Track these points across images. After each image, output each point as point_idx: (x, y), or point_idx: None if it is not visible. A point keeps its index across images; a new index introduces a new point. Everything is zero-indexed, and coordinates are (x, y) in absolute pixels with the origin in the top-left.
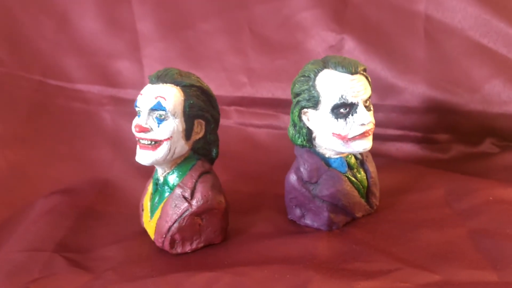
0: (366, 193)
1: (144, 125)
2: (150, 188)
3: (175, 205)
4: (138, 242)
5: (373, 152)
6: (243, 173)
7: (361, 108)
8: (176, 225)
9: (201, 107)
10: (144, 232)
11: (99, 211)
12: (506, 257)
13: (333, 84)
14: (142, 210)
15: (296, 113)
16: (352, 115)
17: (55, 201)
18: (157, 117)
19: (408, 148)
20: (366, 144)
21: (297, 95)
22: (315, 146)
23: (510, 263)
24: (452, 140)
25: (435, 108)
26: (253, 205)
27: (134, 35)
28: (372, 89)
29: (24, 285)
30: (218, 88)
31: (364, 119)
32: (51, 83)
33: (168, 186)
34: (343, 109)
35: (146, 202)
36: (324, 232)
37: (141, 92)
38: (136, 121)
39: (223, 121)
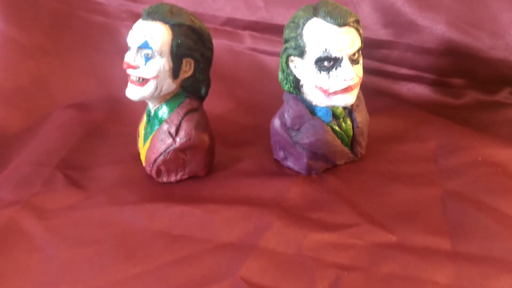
0: (351, 142)
1: (132, 63)
2: (144, 117)
3: (161, 140)
4: (132, 165)
5: (383, 90)
6: (247, 102)
7: (345, 63)
8: (161, 157)
9: (189, 47)
10: (140, 155)
11: (106, 129)
12: (466, 225)
13: (318, 36)
14: (138, 136)
15: (284, 60)
16: (336, 69)
17: (67, 115)
18: (144, 55)
19: (420, 90)
20: (348, 99)
21: (286, 41)
22: (303, 93)
23: (467, 232)
24: (467, 86)
25: (453, 51)
26: (246, 139)
27: None
28: (390, 25)
29: (26, 197)
30: (234, 10)
31: (347, 75)
32: None
33: (158, 119)
34: (326, 63)
35: (141, 130)
36: (302, 177)
37: (132, 27)
38: (125, 57)
39: (236, 46)
